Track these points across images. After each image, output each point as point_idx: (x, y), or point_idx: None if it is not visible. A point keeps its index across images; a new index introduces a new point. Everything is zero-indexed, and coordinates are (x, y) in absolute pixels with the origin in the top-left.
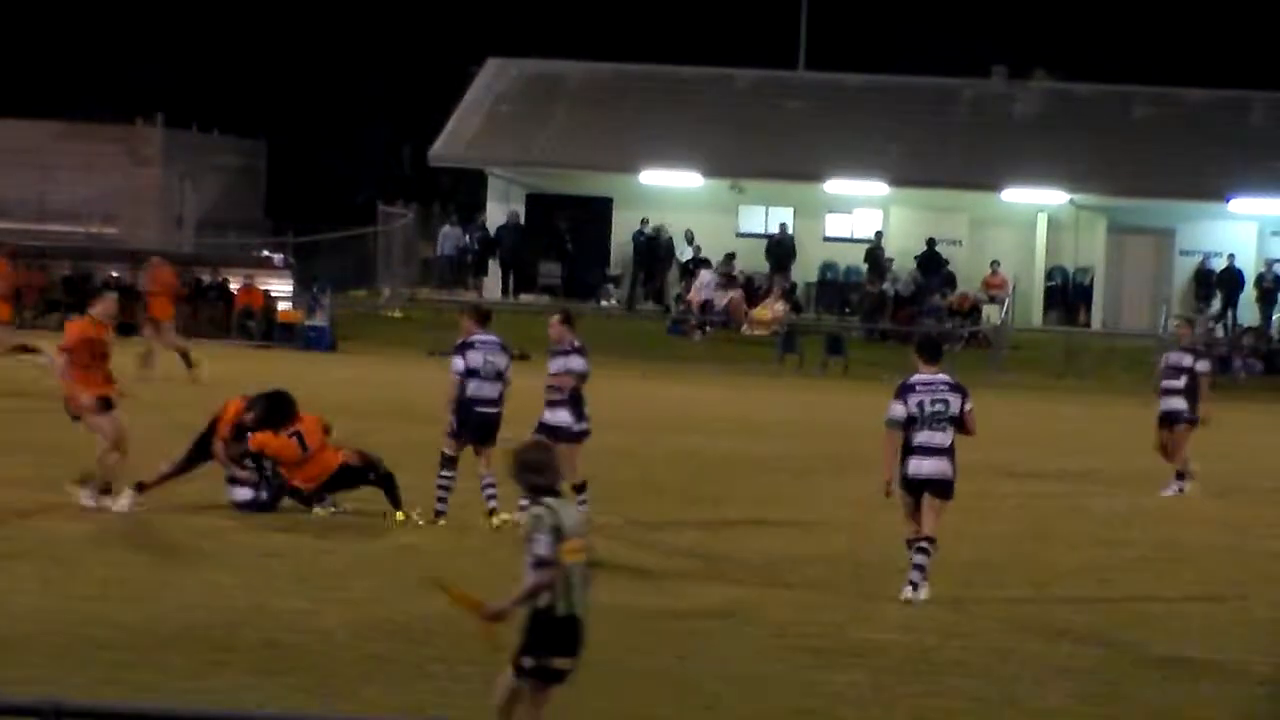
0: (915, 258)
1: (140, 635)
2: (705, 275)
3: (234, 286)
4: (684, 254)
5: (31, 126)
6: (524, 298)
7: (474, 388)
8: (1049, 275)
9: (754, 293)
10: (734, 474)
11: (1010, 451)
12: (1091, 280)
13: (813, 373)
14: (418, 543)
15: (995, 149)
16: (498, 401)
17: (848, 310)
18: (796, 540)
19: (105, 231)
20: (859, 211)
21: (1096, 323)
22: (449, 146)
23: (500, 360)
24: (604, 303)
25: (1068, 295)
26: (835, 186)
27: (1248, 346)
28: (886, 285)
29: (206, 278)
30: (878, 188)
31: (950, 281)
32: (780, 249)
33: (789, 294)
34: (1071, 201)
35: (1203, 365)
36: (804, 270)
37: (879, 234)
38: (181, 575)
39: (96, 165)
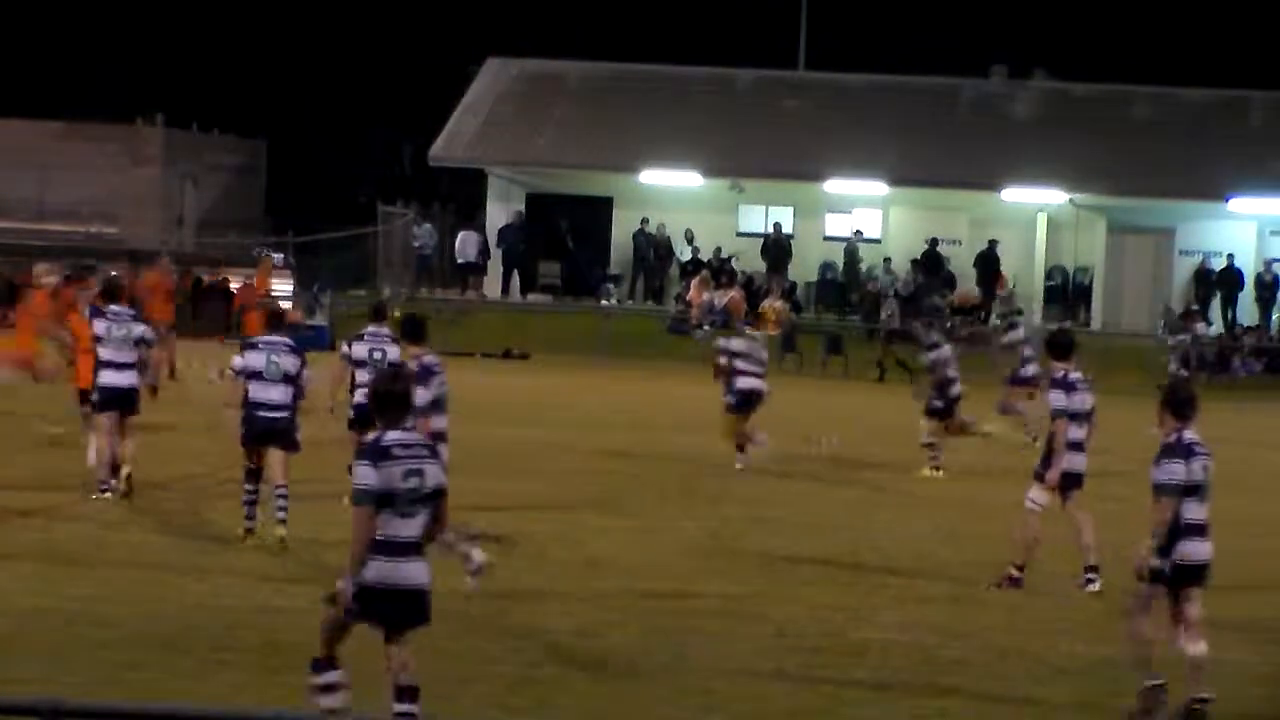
0: (912, 261)
1: (140, 635)
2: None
3: (234, 286)
4: (683, 254)
5: (32, 126)
6: (526, 297)
7: None
8: (1048, 275)
9: (753, 292)
10: (733, 473)
11: (1008, 451)
12: (1091, 280)
13: (813, 372)
14: None
15: (995, 149)
16: None
17: (848, 310)
18: (796, 539)
19: (105, 231)
20: (859, 211)
21: (1096, 322)
22: (449, 146)
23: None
24: (604, 302)
25: (1067, 295)
26: (835, 186)
27: (1247, 346)
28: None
29: (206, 277)
30: (877, 187)
31: (950, 281)
32: (776, 248)
33: (789, 293)
34: (1071, 201)
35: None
36: (804, 270)
37: (857, 232)
38: (181, 575)
39: (96, 165)
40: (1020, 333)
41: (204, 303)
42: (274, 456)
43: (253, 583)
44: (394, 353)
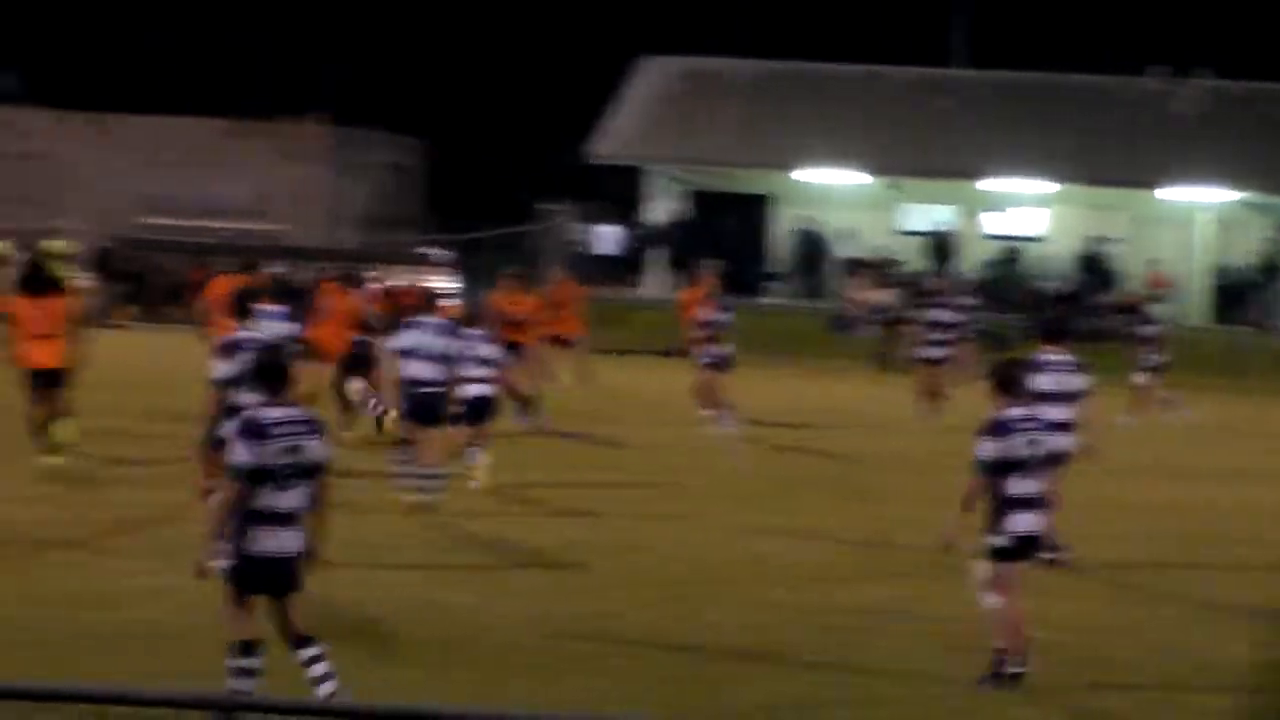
0: (1075, 257)
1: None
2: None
3: (396, 283)
4: (843, 252)
5: (198, 124)
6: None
7: None
8: (1215, 274)
9: (917, 291)
10: (897, 471)
11: (1160, 449)
12: (1260, 280)
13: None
14: (585, 539)
15: (1157, 147)
16: None
17: (1010, 308)
18: (959, 537)
19: (270, 229)
20: (1020, 210)
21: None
22: (608, 144)
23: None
24: (764, 300)
25: (1235, 295)
26: (996, 184)
27: None
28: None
29: (368, 275)
30: (1038, 185)
31: (1112, 280)
32: (938, 247)
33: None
34: (1239, 200)
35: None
36: (966, 268)
37: (1015, 235)
38: (356, 568)
39: (261, 162)
40: None
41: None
42: None
43: (429, 578)
44: (444, 344)
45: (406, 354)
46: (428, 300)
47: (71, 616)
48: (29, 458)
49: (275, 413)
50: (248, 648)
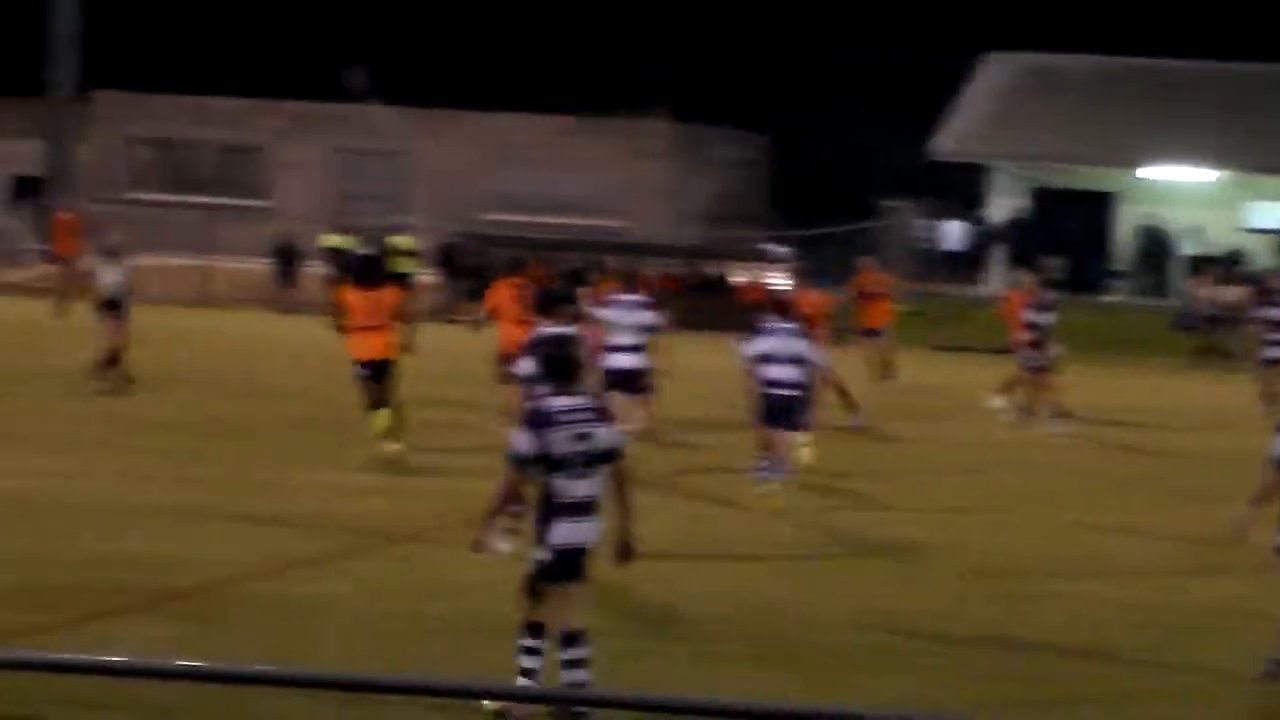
0: None
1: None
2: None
3: (738, 280)
4: (1187, 250)
5: (543, 121)
6: None
7: None
8: None
9: (1259, 290)
10: (1233, 470)
11: None
12: None
13: None
14: (907, 536)
15: None
16: None
17: None
18: (1250, 528)
19: (612, 225)
20: None
21: None
22: (950, 141)
23: None
24: (1107, 298)
25: None
26: None
27: None
28: None
29: (710, 271)
30: None
31: None
32: None
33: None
34: None
35: None
36: None
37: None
38: (679, 560)
39: (605, 159)
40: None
41: (707, 297)
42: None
43: (758, 573)
44: (801, 346)
45: (765, 359)
46: (779, 303)
47: (413, 607)
48: (365, 453)
49: (563, 402)
50: (536, 629)
